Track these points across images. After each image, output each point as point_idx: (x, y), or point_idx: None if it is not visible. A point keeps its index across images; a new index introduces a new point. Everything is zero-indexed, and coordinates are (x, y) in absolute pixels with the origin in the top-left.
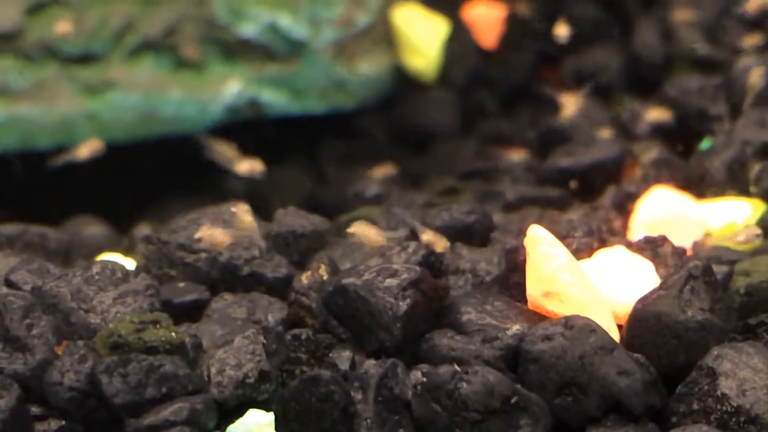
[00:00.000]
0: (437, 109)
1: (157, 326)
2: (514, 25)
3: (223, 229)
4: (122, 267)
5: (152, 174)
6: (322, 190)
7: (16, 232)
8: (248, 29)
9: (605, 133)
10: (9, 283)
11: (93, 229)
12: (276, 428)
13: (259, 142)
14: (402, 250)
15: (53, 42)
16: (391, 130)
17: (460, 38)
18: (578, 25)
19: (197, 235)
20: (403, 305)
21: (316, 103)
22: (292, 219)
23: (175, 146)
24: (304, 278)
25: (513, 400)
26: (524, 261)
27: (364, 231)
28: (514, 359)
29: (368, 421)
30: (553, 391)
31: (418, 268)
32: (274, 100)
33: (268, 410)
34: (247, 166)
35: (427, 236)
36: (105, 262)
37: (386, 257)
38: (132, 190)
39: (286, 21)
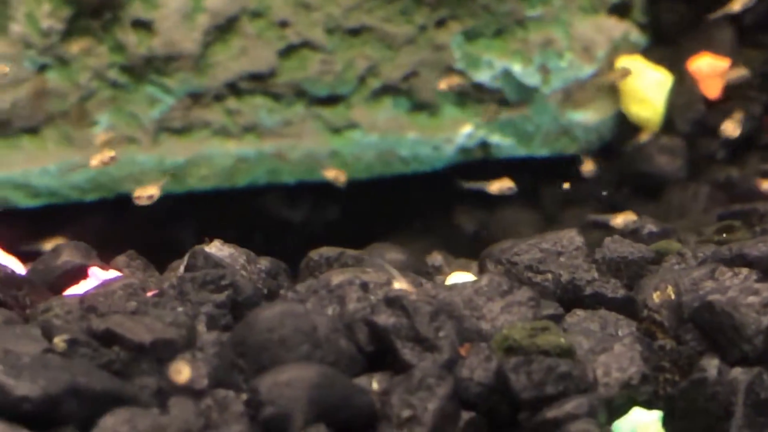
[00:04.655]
0: (665, 156)
1: (546, 332)
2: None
3: None
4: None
5: (388, 209)
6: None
7: (334, 255)
8: (483, 75)
9: None
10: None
11: (392, 254)
12: (664, 425)
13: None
14: (734, 276)
15: (302, 83)
16: (616, 176)
17: (685, 88)
18: None
19: None
20: (765, 320)
21: (542, 147)
22: (620, 246)
23: (410, 184)
24: (656, 297)
25: None
26: None
27: None
28: None
29: (740, 421)
30: None
31: None
32: (503, 142)
33: (648, 409)
34: None
35: None
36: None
37: (719, 282)
38: (369, 223)
39: (518, 68)
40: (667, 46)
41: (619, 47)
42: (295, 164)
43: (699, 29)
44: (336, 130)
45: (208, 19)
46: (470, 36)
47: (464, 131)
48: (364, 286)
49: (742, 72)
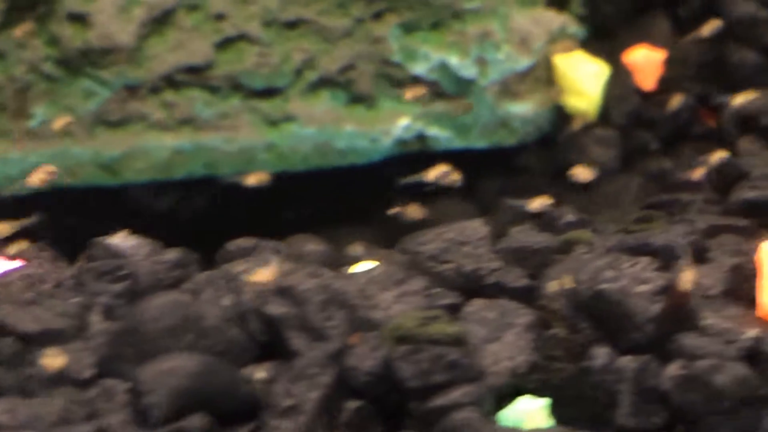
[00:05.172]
0: (599, 147)
1: (438, 321)
2: (673, 68)
3: None
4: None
5: (325, 200)
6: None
7: (250, 245)
8: (419, 68)
9: None
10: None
11: (312, 245)
12: (552, 412)
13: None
14: (632, 265)
15: (239, 76)
16: (552, 167)
17: (620, 80)
18: (739, 71)
19: None
20: (655, 308)
21: (480, 139)
22: (525, 236)
23: (347, 176)
24: (553, 286)
25: (761, 392)
26: (750, 276)
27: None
28: (751, 359)
29: (627, 408)
30: None
31: (666, 276)
32: (440, 134)
33: (535, 397)
34: None
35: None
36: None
37: (618, 270)
38: (306, 214)
39: (455, 61)
40: (604, 38)
41: (557, 39)
42: (233, 157)
43: (636, 21)
44: (273, 123)
45: (144, 12)
46: (407, 28)
47: (401, 123)
48: None
49: (716, 24)
